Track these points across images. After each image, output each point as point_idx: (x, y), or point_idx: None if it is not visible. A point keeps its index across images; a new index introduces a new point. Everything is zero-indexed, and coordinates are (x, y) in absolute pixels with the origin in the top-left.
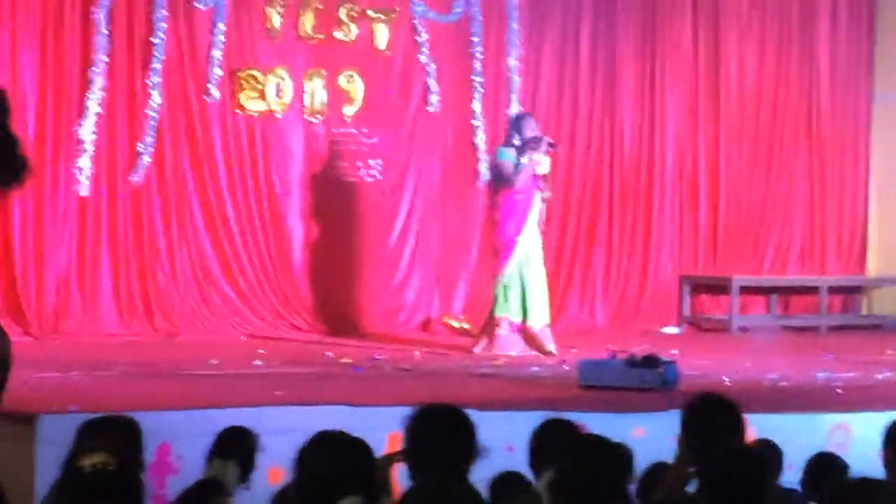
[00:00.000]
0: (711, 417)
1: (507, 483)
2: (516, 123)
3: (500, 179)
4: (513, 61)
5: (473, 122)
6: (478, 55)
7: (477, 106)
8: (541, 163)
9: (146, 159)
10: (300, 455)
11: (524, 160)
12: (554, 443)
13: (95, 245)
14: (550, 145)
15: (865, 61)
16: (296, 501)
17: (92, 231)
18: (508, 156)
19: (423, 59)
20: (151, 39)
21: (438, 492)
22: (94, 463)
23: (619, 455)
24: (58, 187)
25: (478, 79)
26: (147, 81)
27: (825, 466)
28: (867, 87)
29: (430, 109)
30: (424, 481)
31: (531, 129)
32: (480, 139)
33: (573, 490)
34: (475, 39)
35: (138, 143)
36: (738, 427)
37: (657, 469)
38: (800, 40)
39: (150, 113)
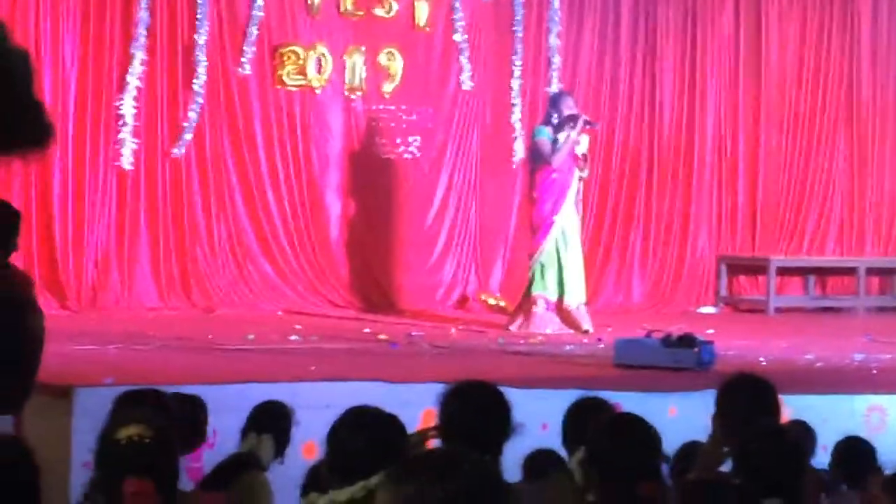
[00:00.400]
0: (746, 397)
1: (540, 460)
2: (554, 101)
3: (538, 157)
4: (553, 39)
5: (512, 100)
6: (518, 34)
7: (515, 84)
8: (580, 142)
9: (188, 135)
10: (332, 430)
11: (561, 137)
12: (588, 421)
13: (135, 219)
14: (587, 123)
15: None
16: (329, 477)
17: (131, 205)
18: (546, 133)
19: (457, 37)
20: (196, 8)
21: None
22: (131, 435)
23: (651, 434)
24: (97, 162)
25: (517, 58)
26: (191, 57)
27: (853, 450)
28: None
29: (464, 87)
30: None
31: (569, 108)
32: (517, 117)
33: (606, 468)
34: (517, 18)
35: (183, 119)
36: (773, 408)
37: (691, 448)
38: (841, 22)
39: (196, 88)
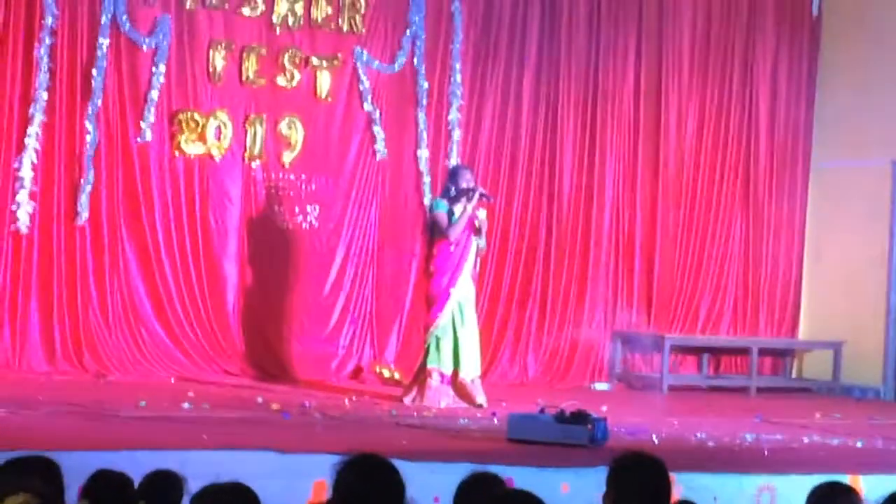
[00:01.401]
0: (636, 475)
1: None
2: (452, 175)
3: (435, 230)
4: (454, 114)
5: (420, 168)
6: (422, 105)
7: (423, 154)
8: (478, 215)
9: (84, 199)
10: None
11: (458, 210)
12: (480, 496)
13: (27, 282)
14: (483, 196)
15: (805, 128)
16: None
17: (24, 268)
18: (443, 206)
19: (367, 106)
20: (92, 75)
21: None
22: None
23: None
24: None
25: (423, 130)
26: (86, 121)
27: None
28: (805, 154)
29: (378, 157)
30: None
31: (466, 181)
32: (427, 188)
33: None
34: (420, 90)
35: (80, 182)
36: (664, 485)
37: None
38: (741, 105)
39: (88, 151)
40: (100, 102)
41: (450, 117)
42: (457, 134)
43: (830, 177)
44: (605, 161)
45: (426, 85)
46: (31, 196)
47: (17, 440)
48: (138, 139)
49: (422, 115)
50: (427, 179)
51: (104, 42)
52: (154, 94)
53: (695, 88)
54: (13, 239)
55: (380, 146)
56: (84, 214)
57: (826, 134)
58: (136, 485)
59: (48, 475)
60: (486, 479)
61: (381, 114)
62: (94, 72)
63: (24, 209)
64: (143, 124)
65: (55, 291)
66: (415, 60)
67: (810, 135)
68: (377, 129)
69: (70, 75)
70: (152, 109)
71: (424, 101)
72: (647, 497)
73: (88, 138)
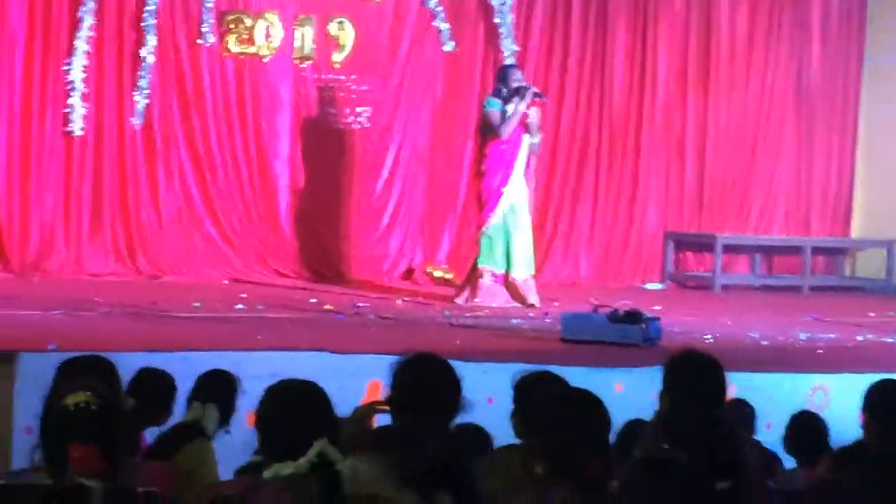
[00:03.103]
0: (691, 374)
1: (466, 438)
2: (502, 74)
3: (487, 129)
4: (507, 15)
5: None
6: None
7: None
8: (529, 114)
9: (143, 101)
10: (259, 409)
11: (510, 109)
12: (539, 394)
13: (80, 185)
14: (536, 95)
15: (857, 25)
16: (264, 452)
17: (77, 171)
18: (496, 105)
19: (431, 3)
20: None
21: (414, 433)
22: (78, 402)
23: (598, 410)
24: (44, 127)
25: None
26: (142, 25)
27: (805, 426)
28: (858, 50)
29: (445, 49)
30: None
31: (516, 80)
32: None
33: (553, 442)
34: None
35: (135, 87)
36: (719, 383)
37: (636, 425)
38: (792, 3)
39: (145, 55)
40: (153, 6)
41: (497, 20)
42: (508, 31)
43: (884, 72)
44: (656, 59)
45: None
46: (84, 98)
47: (73, 341)
48: (199, 41)
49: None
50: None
51: None
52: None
53: None
54: (67, 141)
55: (445, 38)
56: (139, 119)
57: (878, 30)
58: (191, 383)
59: (106, 375)
60: (542, 378)
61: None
62: None
63: (78, 111)
64: (203, 28)
65: (108, 193)
66: None
67: (864, 29)
68: (439, 23)
69: None
70: (210, 14)
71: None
72: (703, 395)
73: (144, 43)
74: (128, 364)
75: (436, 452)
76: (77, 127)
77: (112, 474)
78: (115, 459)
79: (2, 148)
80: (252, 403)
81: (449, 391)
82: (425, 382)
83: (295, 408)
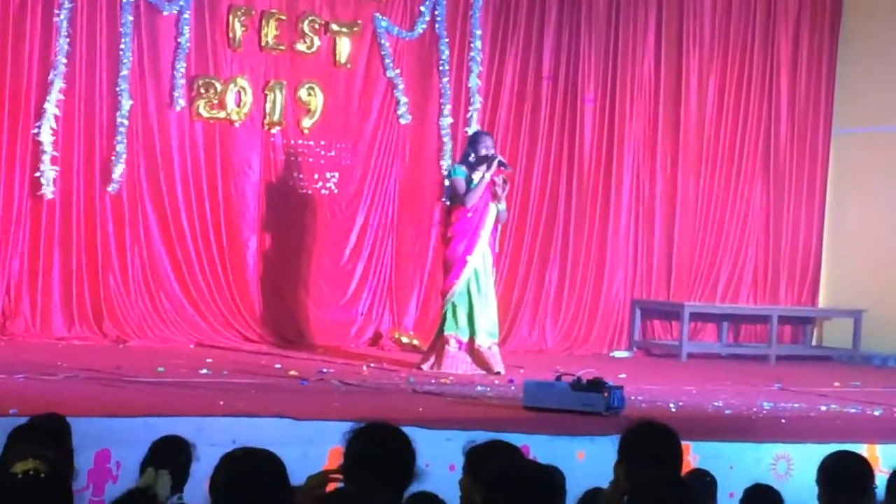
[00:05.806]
0: (648, 444)
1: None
2: (473, 141)
3: (453, 197)
4: (474, 80)
5: (442, 138)
6: (443, 72)
7: (445, 122)
8: (496, 182)
9: (121, 167)
10: (212, 479)
11: (476, 177)
12: (487, 465)
13: (48, 247)
14: (501, 164)
15: (826, 95)
16: None
17: (46, 233)
18: (462, 173)
19: (390, 73)
20: (120, 46)
21: (363, 501)
22: (27, 469)
23: (552, 481)
24: (12, 190)
25: (445, 98)
26: (116, 88)
27: (760, 499)
28: (826, 120)
29: (403, 122)
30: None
31: (486, 148)
32: (447, 156)
33: None
34: (442, 57)
35: (103, 150)
36: (676, 456)
37: (593, 494)
38: (762, 72)
39: (121, 119)
40: (125, 70)
41: (469, 84)
42: (477, 100)
43: (851, 143)
44: (624, 128)
45: (446, 52)
46: (52, 161)
47: (35, 405)
48: (172, 106)
49: (444, 81)
50: (448, 146)
51: (127, 6)
52: (179, 63)
53: (716, 55)
54: (35, 204)
55: (403, 111)
56: (115, 184)
57: (847, 100)
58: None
59: (58, 438)
60: (498, 448)
61: (402, 80)
62: (122, 41)
63: (48, 175)
64: (175, 93)
65: (75, 257)
66: (435, 27)
67: (831, 101)
68: (400, 95)
69: (90, 41)
70: (181, 79)
71: (445, 68)
72: (659, 465)
73: (115, 105)
74: (90, 429)
75: None
76: (48, 190)
77: None
78: None
79: None
80: (210, 471)
81: (402, 460)
82: (378, 451)
83: (248, 476)
